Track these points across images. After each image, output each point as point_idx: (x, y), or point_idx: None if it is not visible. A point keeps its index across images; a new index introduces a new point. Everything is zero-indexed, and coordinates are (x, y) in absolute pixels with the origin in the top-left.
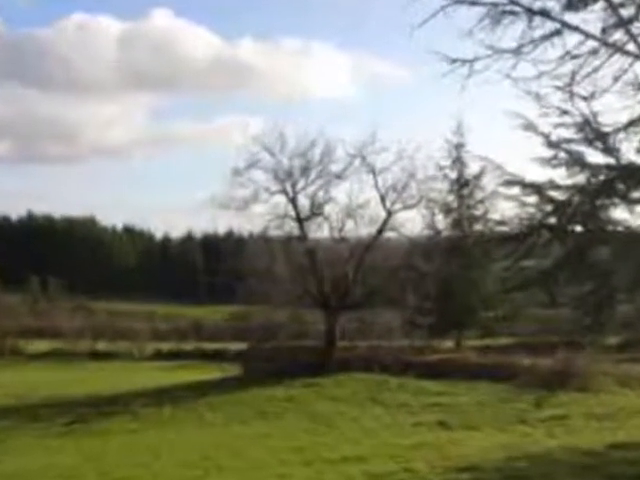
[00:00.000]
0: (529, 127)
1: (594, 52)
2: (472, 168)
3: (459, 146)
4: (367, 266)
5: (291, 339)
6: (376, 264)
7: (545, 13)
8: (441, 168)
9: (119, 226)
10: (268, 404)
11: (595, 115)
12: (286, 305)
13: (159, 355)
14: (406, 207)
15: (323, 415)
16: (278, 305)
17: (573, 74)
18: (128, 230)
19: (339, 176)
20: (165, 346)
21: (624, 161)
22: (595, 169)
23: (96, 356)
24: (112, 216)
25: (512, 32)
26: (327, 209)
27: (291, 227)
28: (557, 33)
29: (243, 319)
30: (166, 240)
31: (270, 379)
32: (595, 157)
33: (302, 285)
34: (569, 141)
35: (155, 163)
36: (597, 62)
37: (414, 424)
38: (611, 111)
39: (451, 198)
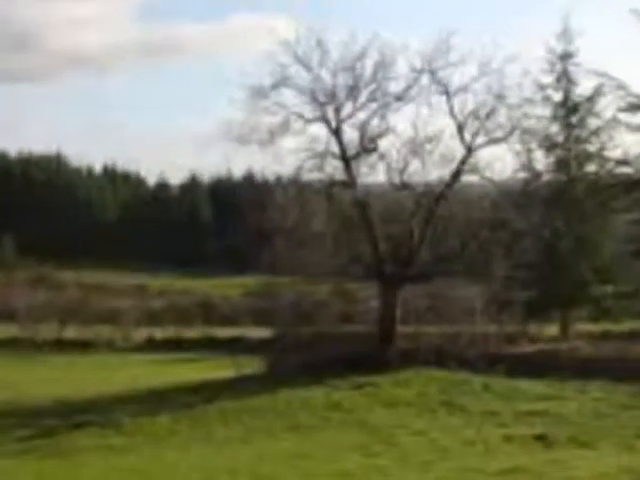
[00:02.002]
0: None
1: None
2: (583, 87)
3: (566, 57)
4: (439, 222)
5: (334, 323)
6: (451, 219)
7: None
8: (541, 87)
9: (96, 167)
10: (303, 413)
11: None
12: (327, 276)
13: (152, 344)
14: (492, 141)
15: (379, 427)
16: (316, 276)
17: None
18: (109, 172)
19: (400, 98)
20: (160, 332)
21: None
22: None
23: (65, 346)
24: (87, 153)
25: None
26: (383, 144)
27: (334, 168)
28: None
29: (267, 295)
30: (161, 186)
31: (305, 378)
32: None
33: (349, 248)
34: None
35: (145, 79)
36: None
37: (504, 439)
38: None
39: (555, 129)
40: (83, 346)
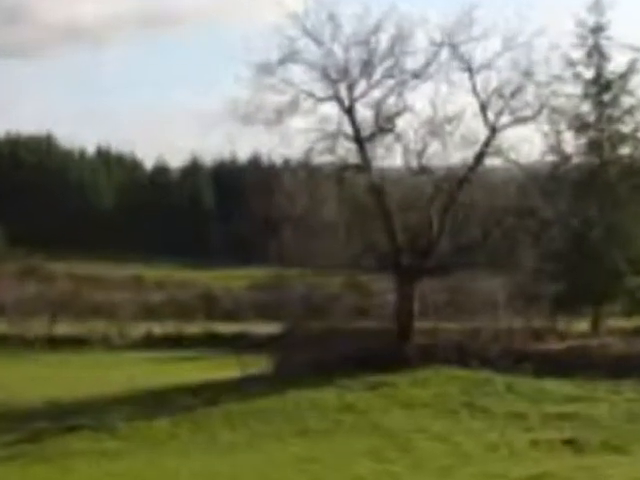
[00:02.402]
0: None
1: None
2: (616, 63)
3: (597, 30)
4: (460, 209)
5: (347, 318)
6: (473, 206)
7: None
8: (571, 63)
9: (90, 149)
10: (313, 415)
11: None
12: (339, 267)
13: (150, 341)
14: (518, 121)
15: (394, 431)
16: (327, 267)
17: None
18: (102, 154)
19: (418, 75)
20: (159, 328)
21: None
22: None
23: (56, 343)
24: (79, 134)
25: None
26: (400, 124)
27: (346, 151)
28: None
29: (275, 288)
30: (160, 170)
31: (315, 378)
32: None
33: (363, 238)
34: None
35: (142, 53)
36: None
37: (530, 444)
38: None
39: (586, 108)
40: (76, 343)
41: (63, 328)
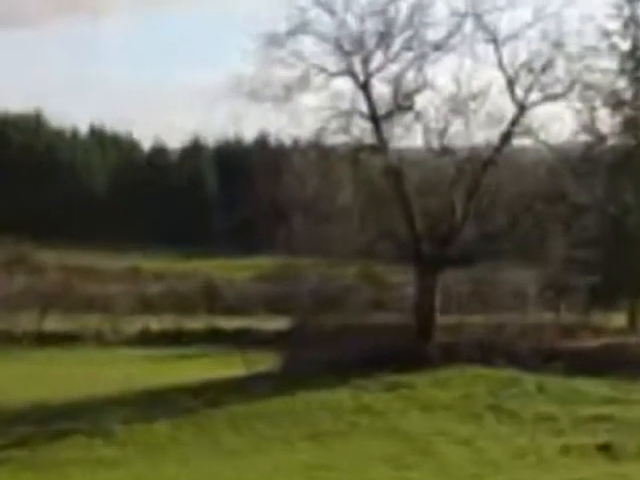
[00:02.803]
0: None
1: None
2: None
3: None
4: (485, 194)
5: (362, 312)
6: (500, 190)
7: None
8: (606, 35)
9: (82, 128)
10: (325, 418)
11: None
12: (353, 256)
13: (147, 337)
14: (549, 98)
15: (414, 435)
16: (340, 256)
17: None
18: (96, 134)
19: (439, 47)
20: (157, 323)
21: None
22: None
23: (46, 339)
24: (71, 112)
25: None
26: (420, 101)
27: (362, 130)
28: None
29: (283, 279)
30: (158, 151)
31: (328, 378)
32: None
33: (379, 224)
34: None
35: (141, 25)
36: None
37: (562, 450)
38: None
39: (622, 84)
40: (67, 339)
41: (53, 323)
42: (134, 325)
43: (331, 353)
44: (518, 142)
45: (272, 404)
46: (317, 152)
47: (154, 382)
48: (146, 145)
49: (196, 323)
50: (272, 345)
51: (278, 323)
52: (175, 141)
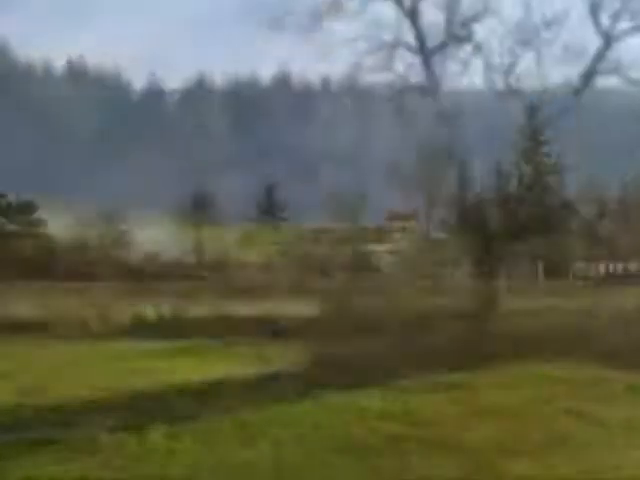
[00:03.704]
0: None
1: None
2: None
3: None
4: (564, 147)
5: (406, 296)
6: (581, 143)
7: None
8: None
9: (58, 65)
10: (359, 428)
11: None
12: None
13: (140, 327)
14: None
15: (477, 450)
16: (378, 228)
17: None
18: (75, 72)
19: None
20: (152, 309)
21: None
22: None
23: (15, 329)
24: (44, 46)
25: None
26: (481, 31)
27: (408, 66)
28: None
29: (306, 254)
30: (154, 94)
31: (363, 377)
32: None
33: (429, 184)
34: None
35: None
36: None
37: None
38: None
39: None
40: (42, 329)
41: (25, 309)
42: (124, 312)
43: (367, 346)
44: (604, 81)
45: (293, 409)
46: (352, 94)
47: (148, 382)
48: (138, 85)
49: (200, 309)
50: (295, 337)
51: (302, 308)
52: (174, 80)
